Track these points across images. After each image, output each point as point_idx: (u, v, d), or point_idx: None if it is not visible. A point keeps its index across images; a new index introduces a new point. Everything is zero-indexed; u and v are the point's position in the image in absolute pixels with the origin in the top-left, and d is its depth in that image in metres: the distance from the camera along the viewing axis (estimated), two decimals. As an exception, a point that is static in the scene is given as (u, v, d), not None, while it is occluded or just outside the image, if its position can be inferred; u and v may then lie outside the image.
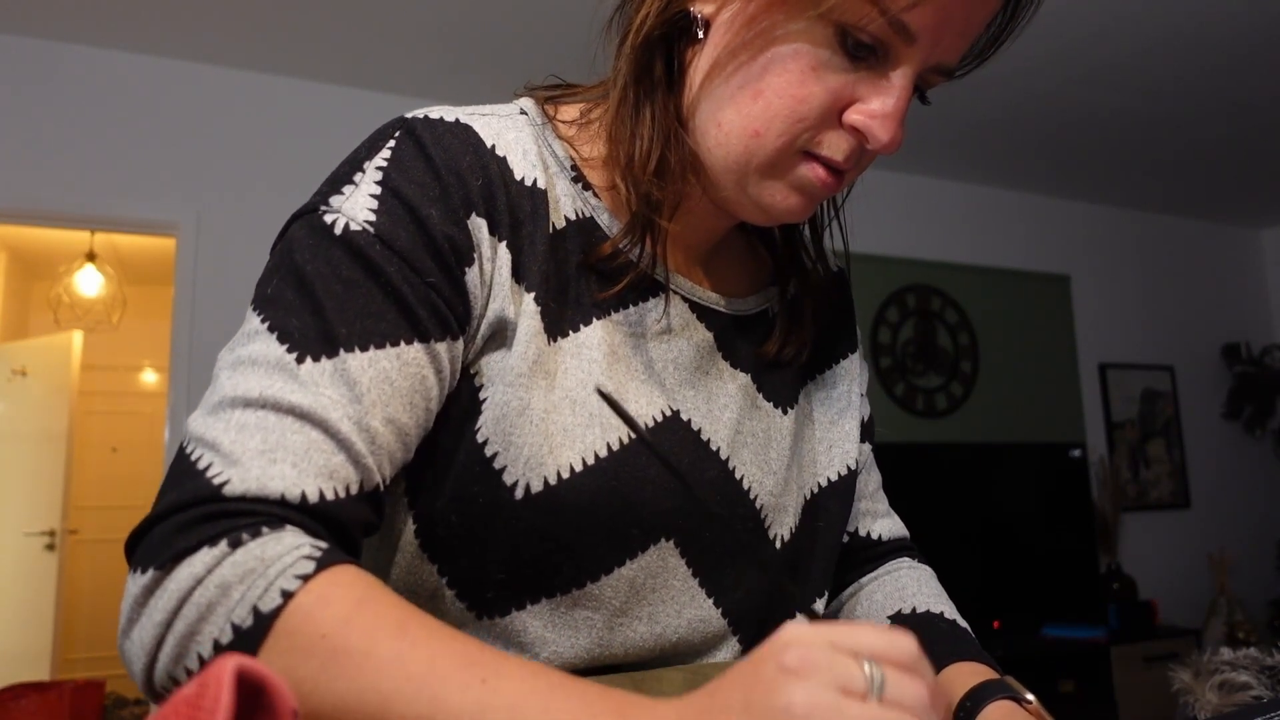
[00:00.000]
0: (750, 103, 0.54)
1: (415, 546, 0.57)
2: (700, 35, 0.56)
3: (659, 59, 0.58)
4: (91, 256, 4.42)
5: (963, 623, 0.68)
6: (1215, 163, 4.10)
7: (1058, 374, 4.25)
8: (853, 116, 0.54)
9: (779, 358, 0.68)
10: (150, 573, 0.43)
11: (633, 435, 0.56)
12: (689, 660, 0.60)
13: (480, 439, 0.54)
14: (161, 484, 0.47)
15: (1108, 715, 3.37)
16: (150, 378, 5.92)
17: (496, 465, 0.54)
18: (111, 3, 2.66)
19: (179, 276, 2.92)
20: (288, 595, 0.41)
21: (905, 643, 0.37)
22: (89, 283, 4.50)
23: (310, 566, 0.42)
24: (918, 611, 0.68)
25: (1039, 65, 3.11)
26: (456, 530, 0.55)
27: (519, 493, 0.54)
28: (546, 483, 0.54)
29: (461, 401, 0.55)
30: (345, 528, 0.48)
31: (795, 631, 0.37)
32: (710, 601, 0.60)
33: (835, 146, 0.55)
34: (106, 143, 2.88)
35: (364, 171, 0.54)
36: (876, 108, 0.53)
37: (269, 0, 2.66)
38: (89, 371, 5.16)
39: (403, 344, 0.51)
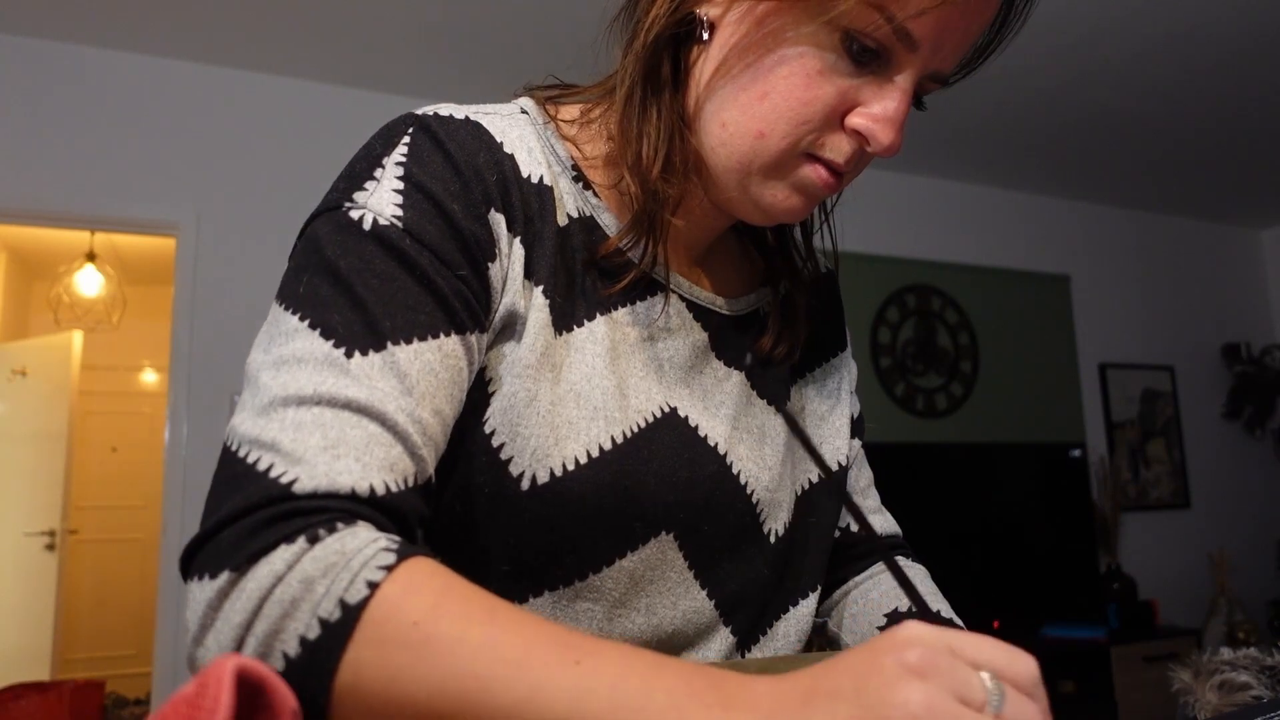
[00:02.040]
0: (756, 104, 0.55)
1: (419, 537, 0.57)
2: (705, 37, 0.57)
3: (666, 59, 0.59)
4: (91, 256, 4.43)
5: (959, 622, 0.68)
6: (1215, 163, 4.10)
7: (1058, 374, 4.25)
8: (855, 120, 0.55)
9: (772, 356, 0.69)
10: (224, 575, 0.42)
11: (636, 429, 0.57)
12: (683, 650, 0.61)
13: (488, 430, 0.55)
14: (211, 491, 0.46)
15: (1108, 715, 3.37)
16: (150, 378, 5.92)
17: (503, 456, 0.55)
18: (111, 3, 2.66)
19: (179, 276, 2.92)
20: (373, 586, 0.41)
21: (1026, 663, 0.36)
22: (89, 283, 4.50)
23: (391, 558, 0.42)
24: (914, 610, 0.68)
25: (1039, 65, 3.11)
26: (461, 521, 0.56)
27: (525, 484, 0.54)
28: (553, 474, 0.54)
29: (470, 393, 0.56)
30: (406, 519, 0.48)
31: (918, 631, 0.36)
32: (704, 593, 0.61)
33: (837, 149, 0.56)
34: (106, 143, 2.88)
35: (383, 167, 0.54)
36: (879, 111, 0.54)
37: (269, 0, 2.66)
38: (89, 371, 5.15)
39: (443, 336, 0.51)
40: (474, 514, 0.55)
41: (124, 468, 5.70)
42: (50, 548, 4.21)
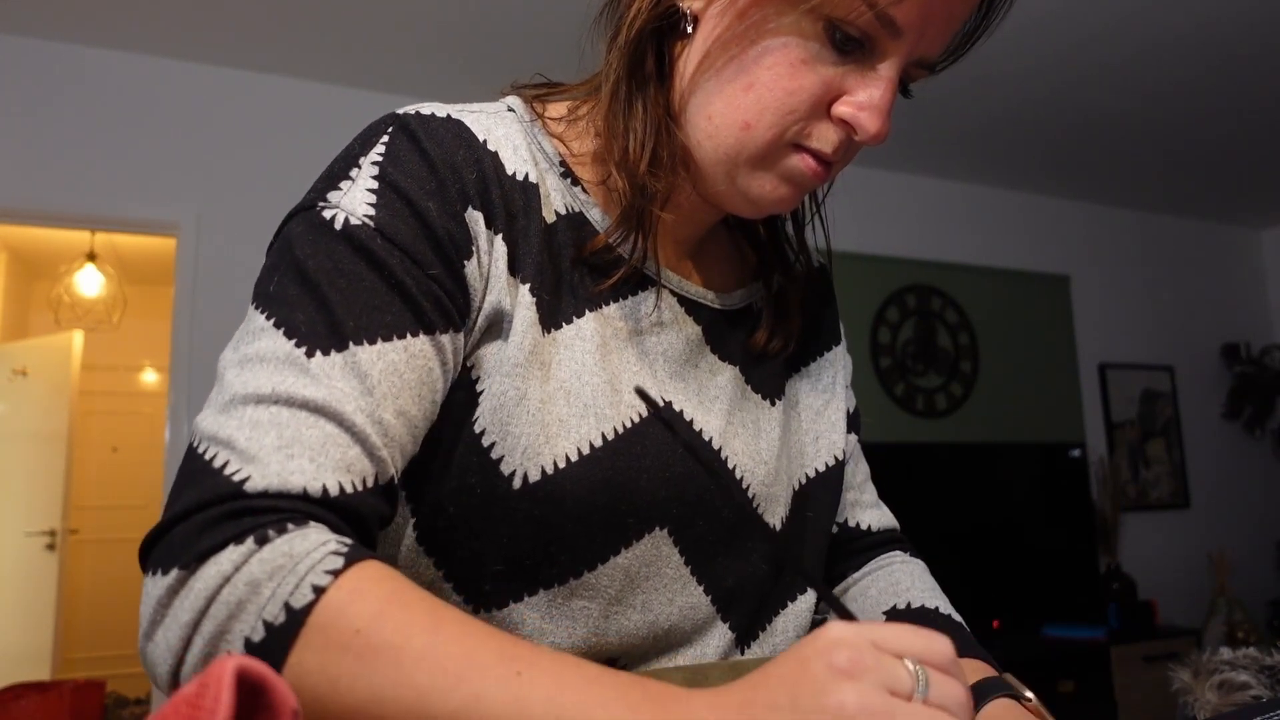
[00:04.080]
0: (741, 95, 0.55)
1: (412, 539, 0.57)
2: (689, 30, 0.57)
3: (650, 53, 0.59)
4: (91, 256, 4.43)
5: (958, 618, 0.68)
6: (1215, 163, 4.10)
7: (1058, 374, 4.25)
8: (841, 109, 0.55)
9: (766, 350, 0.69)
10: (174, 573, 0.42)
11: (627, 425, 0.57)
12: (680, 647, 0.61)
13: (478, 429, 0.55)
14: (173, 486, 0.47)
15: (1108, 715, 3.37)
16: (150, 378, 5.92)
17: (494, 455, 0.54)
18: (111, 3, 2.66)
19: (179, 276, 2.92)
20: (319, 591, 0.41)
21: (942, 645, 0.38)
22: (89, 283, 4.50)
23: (339, 562, 0.42)
24: (913, 607, 0.68)
25: (1040, 66, 3.11)
26: (454, 522, 0.56)
27: (517, 482, 0.54)
28: (544, 472, 0.54)
29: (459, 394, 0.56)
30: (363, 521, 0.48)
31: (840, 632, 0.37)
32: (701, 589, 0.61)
33: (824, 138, 0.56)
34: (106, 143, 2.88)
35: (360, 167, 0.54)
36: (864, 99, 0.54)
37: (269, 0, 2.66)
38: (89, 371, 5.16)
39: (409, 336, 0.51)
40: (466, 514, 0.55)
41: (124, 468, 5.70)
42: (50, 548, 4.21)
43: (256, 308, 0.51)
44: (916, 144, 3.72)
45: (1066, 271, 4.38)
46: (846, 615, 0.41)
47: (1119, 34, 2.94)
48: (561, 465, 0.54)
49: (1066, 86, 3.29)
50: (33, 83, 2.83)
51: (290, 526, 0.43)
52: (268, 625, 0.41)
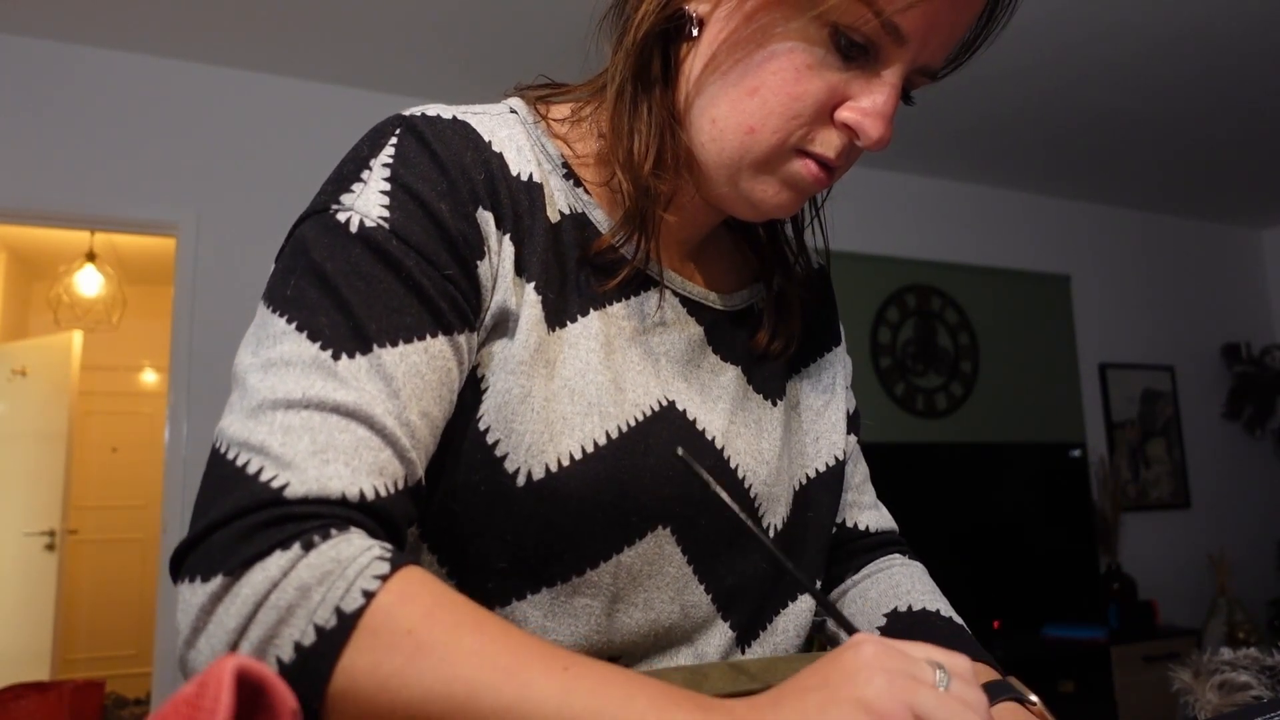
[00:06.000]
0: (745, 99, 0.56)
1: (416, 536, 0.58)
2: (695, 33, 0.58)
3: (656, 56, 0.59)
4: (91, 256, 4.42)
5: (959, 620, 0.68)
6: (1215, 163, 4.10)
7: (1058, 374, 4.25)
8: (844, 114, 0.55)
9: (768, 351, 0.69)
10: (217, 579, 0.42)
11: (630, 424, 0.57)
12: (681, 645, 0.61)
13: (482, 427, 0.55)
14: (201, 492, 0.46)
15: (1108, 715, 3.37)
16: (150, 378, 5.92)
17: (498, 453, 0.55)
18: (112, 3, 2.66)
19: (179, 276, 2.92)
20: (369, 595, 0.42)
21: (963, 659, 0.42)
22: (89, 283, 4.50)
23: (386, 567, 0.43)
24: (914, 609, 0.68)
25: (1040, 65, 3.11)
26: (458, 519, 0.56)
27: (520, 480, 0.54)
28: (548, 470, 0.54)
29: (464, 391, 0.56)
30: (395, 523, 0.48)
31: (867, 636, 0.42)
32: (702, 588, 0.61)
33: (827, 143, 0.57)
34: (106, 143, 2.88)
35: (370, 169, 0.55)
36: (868, 105, 0.55)
37: (269, 0, 2.66)
38: (89, 371, 5.15)
39: (429, 337, 0.52)
40: (470, 512, 0.55)
41: (124, 468, 5.70)
42: (50, 548, 4.21)
43: (274, 311, 0.51)
44: (916, 144, 3.72)
45: (1067, 271, 4.38)
46: (848, 627, 0.44)
47: (1119, 33, 2.94)
48: (565, 463, 0.55)
49: (1066, 86, 3.29)
50: (32, 83, 2.83)
51: (334, 532, 0.44)
52: (318, 629, 0.41)
